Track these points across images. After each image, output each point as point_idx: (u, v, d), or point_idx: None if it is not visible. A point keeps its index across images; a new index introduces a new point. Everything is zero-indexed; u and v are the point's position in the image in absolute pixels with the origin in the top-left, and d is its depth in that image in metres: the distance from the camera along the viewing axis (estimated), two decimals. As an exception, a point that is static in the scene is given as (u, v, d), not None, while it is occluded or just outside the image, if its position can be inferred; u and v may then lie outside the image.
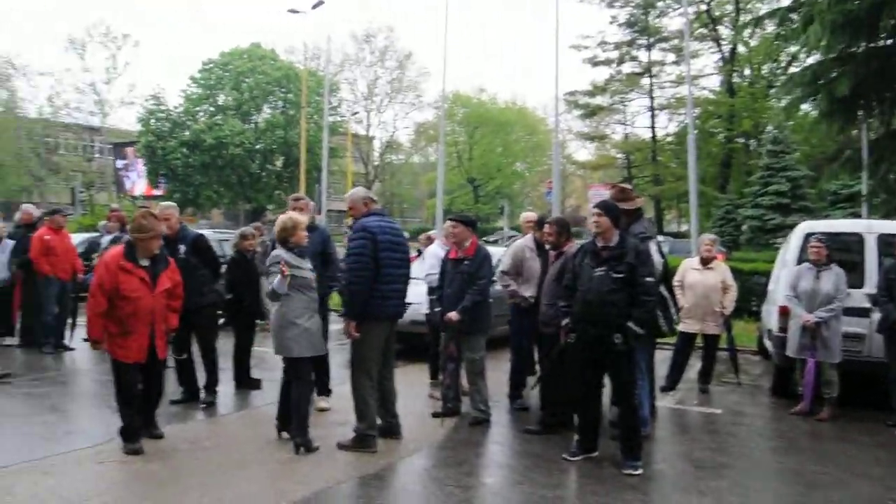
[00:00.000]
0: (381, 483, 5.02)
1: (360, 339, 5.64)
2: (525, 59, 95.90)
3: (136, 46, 58.83)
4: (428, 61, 77.46)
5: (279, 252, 5.66)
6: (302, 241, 5.69)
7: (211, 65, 46.50)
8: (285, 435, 5.76)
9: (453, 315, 6.38)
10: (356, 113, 53.85)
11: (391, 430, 5.95)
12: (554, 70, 28.69)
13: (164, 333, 5.59)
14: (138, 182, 48.45)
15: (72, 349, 9.45)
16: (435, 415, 6.61)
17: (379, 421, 5.84)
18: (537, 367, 7.47)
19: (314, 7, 29.56)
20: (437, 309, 6.76)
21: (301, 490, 4.76)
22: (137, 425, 5.43)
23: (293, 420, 5.59)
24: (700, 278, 8.15)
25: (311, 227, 6.83)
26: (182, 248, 6.66)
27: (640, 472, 5.27)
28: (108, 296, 5.24)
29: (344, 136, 48.42)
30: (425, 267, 7.41)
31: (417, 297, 8.81)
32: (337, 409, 6.69)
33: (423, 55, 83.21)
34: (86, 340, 9.99)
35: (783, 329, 7.55)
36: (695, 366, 8.65)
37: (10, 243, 9.57)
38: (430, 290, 7.36)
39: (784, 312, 7.55)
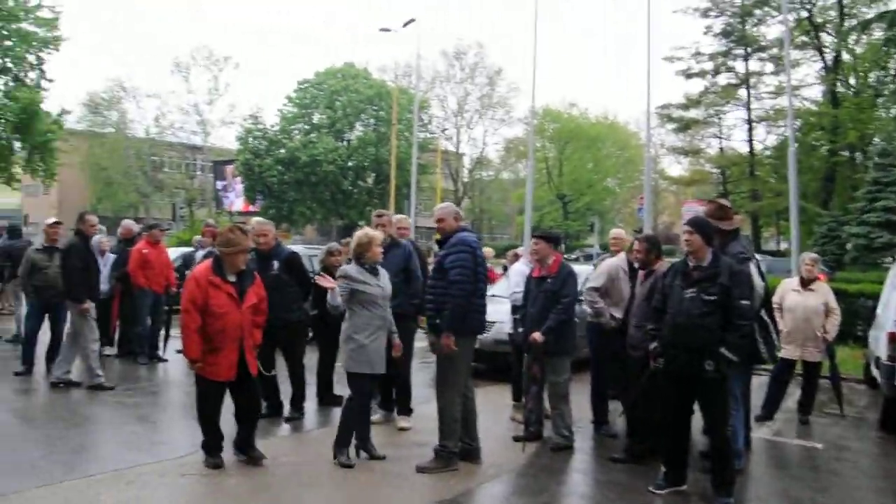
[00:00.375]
0: (458, 509, 4.88)
1: (452, 354, 5.53)
2: (617, 73, 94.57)
3: (237, 68, 61.26)
4: (518, 77, 77.50)
5: (345, 267, 5.78)
6: (376, 257, 5.71)
7: (306, 84, 47.84)
8: (364, 455, 5.72)
9: (537, 335, 6.19)
10: (446, 129, 54.27)
11: (471, 453, 5.80)
12: (646, 83, 28.19)
13: (253, 349, 5.50)
14: (236, 199, 50.16)
15: (165, 360, 9.77)
16: (516, 439, 6.43)
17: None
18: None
19: (405, 25, 30.03)
20: (520, 329, 6.58)
21: (376, 513, 4.68)
22: (220, 439, 5.41)
23: (338, 432, 5.65)
24: (800, 300, 7.67)
25: (395, 244, 6.82)
26: (275, 264, 6.73)
27: (732, 508, 4.94)
28: (200, 311, 5.19)
29: (434, 153, 48.83)
30: (510, 285, 7.24)
31: (501, 315, 8.70)
32: (417, 430, 6.61)
33: (513, 71, 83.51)
34: (179, 352, 10.41)
35: (893, 357, 6.99)
36: (794, 394, 8.15)
37: (112, 257, 10.02)
38: (514, 309, 7.18)
39: (894, 339, 6.99)
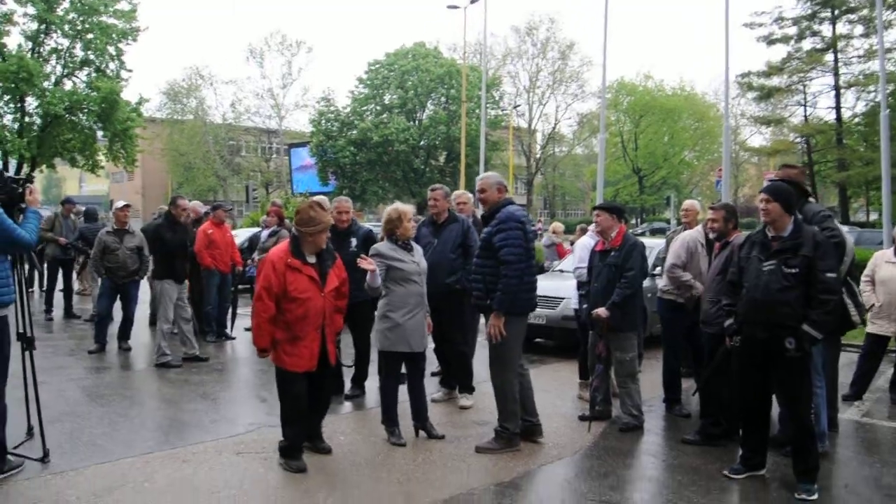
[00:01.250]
0: (517, 492, 4.65)
1: (510, 334, 5.29)
2: (693, 42, 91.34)
3: (310, 52, 61.81)
4: (591, 51, 75.66)
5: (377, 245, 5.55)
6: (408, 232, 5.49)
7: (377, 65, 47.89)
8: (423, 434, 5.57)
9: (601, 311, 5.88)
10: (518, 106, 53.50)
11: (532, 430, 5.58)
12: (724, 51, 26.63)
13: (335, 337, 5.13)
14: (310, 180, 50.86)
15: (232, 338, 9.87)
16: (582, 418, 6.17)
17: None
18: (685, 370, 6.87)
19: (472, 1, 29.50)
20: (584, 305, 6.26)
21: (431, 495, 4.51)
22: (302, 442, 5.01)
23: (382, 413, 5.55)
24: (895, 272, 7.09)
25: (452, 219, 6.61)
26: (353, 241, 6.60)
27: (815, 497, 4.55)
28: (276, 298, 4.73)
29: (506, 130, 48.31)
30: (574, 259, 6.92)
31: (569, 291, 8.41)
32: (479, 408, 6.43)
33: (586, 44, 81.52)
34: (248, 330, 10.54)
35: None
36: (885, 372, 7.58)
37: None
38: (579, 285, 6.87)
39: None
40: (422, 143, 46.45)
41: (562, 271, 10.27)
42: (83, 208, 12.39)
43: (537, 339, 9.55)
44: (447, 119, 45.58)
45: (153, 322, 10.80)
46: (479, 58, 51.67)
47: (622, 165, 54.83)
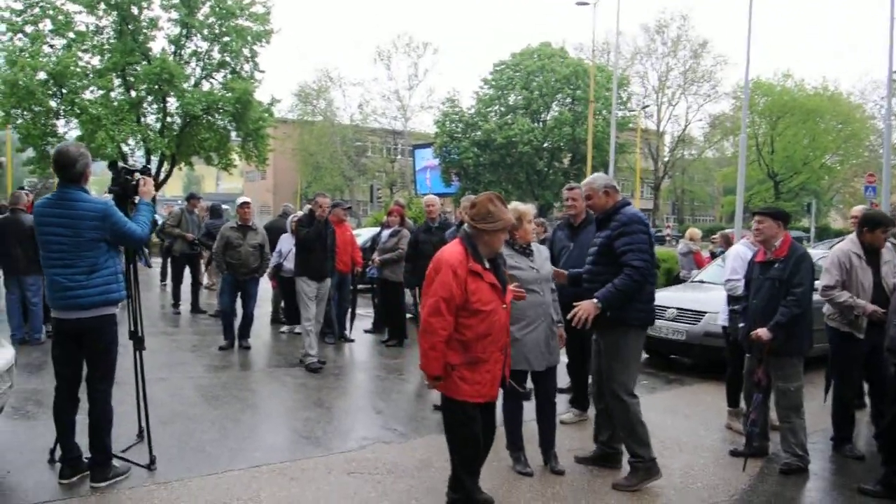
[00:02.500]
0: (663, 542, 3.98)
1: (628, 349, 4.71)
2: (838, 39, 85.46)
3: (436, 53, 62.34)
4: (725, 48, 71.93)
5: None
6: (528, 235, 4.91)
7: (502, 66, 47.53)
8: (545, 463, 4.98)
9: (762, 332, 5.06)
10: (647, 106, 51.67)
11: (610, 457, 5.06)
12: (884, 46, 24.01)
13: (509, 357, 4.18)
14: (433, 181, 51.11)
15: (352, 340, 9.62)
16: (734, 454, 5.38)
17: (594, 447, 5.14)
18: (867, 402, 5.93)
19: (603, -3, 28.41)
20: (740, 324, 5.46)
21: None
22: (479, 495, 4.13)
23: (507, 437, 4.96)
24: None
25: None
26: None
27: None
28: (455, 313, 3.82)
29: (633, 132, 46.72)
30: (727, 270, 6.05)
31: (713, 304, 7.61)
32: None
33: (719, 42, 77.49)
34: (368, 332, 10.33)
35: None
36: None
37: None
38: (731, 300, 6.03)
39: None
40: (546, 144, 45.74)
41: (702, 282, 9.38)
42: (208, 204, 12.57)
43: (672, 356, 8.74)
44: (572, 120, 44.62)
45: (274, 320, 10.76)
46: (607, 57, 50.35)
47: (756, 170, 51.76)
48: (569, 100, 46.67)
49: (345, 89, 54.19)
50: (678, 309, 8.25)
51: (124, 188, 4.53)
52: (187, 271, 11.90)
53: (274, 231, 10.78)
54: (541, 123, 46.26)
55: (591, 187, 4.90)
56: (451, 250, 3.91)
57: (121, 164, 4.63)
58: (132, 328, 4.67)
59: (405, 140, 55.08)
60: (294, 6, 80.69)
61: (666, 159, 56.45)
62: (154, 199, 4.95)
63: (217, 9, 27.82)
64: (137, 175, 4.57)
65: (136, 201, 4.49)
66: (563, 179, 47.58)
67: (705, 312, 7.97)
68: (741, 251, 5.99)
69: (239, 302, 8.87)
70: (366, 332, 10.17)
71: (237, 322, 8.88)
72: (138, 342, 4.66)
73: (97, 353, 4.27)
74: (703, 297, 8.42)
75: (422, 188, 49.10)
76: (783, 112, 51.80)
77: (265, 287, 10.07)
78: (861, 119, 52.06)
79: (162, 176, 29.02)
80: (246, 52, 28.79)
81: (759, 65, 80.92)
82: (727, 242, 9.65)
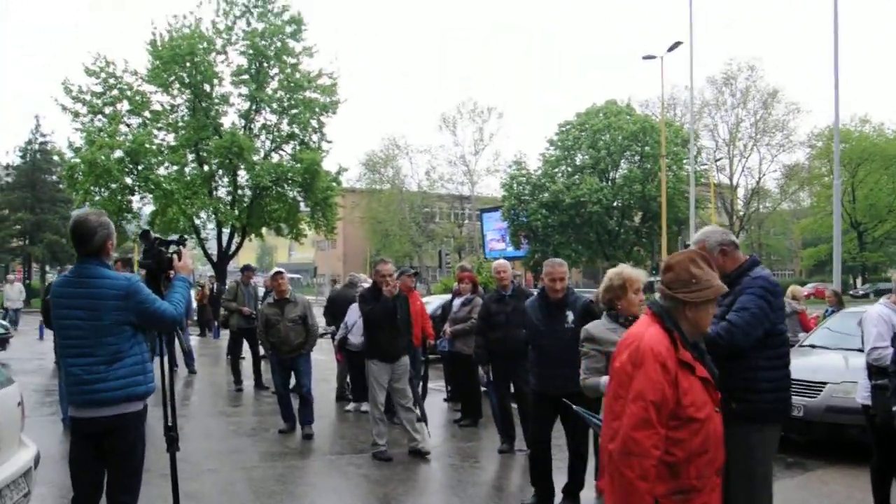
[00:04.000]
0: None
1: (763, 446, 3.67)
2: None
3: (501, 117, 62.46)
4: (797, 95, 69.78)
5: (591, 326, 4.06)
6: (633, 307, 3.98)
7: (568, 126, 47.22)
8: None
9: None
10: (720, 159, 50.30)
11: None
12: None
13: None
14: (501, 244, 50.54)
15: (423, 420, 8.81)
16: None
17: None
18: None
19: (670, 50, 27.84)
20: (895, 408, 4.42)
21: None
22: None
23: None
24: None
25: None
26: (570, 315, 5.29)
27: None
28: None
29: (705, 187, 45.31)
30: (868, 337, 5.04)
31: (835, 374, 6.64)
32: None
33: (790, 90, 75.31)
34: (447, 401, 9.63)
35: None
36: None
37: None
38: (875, 373, 4.97)
39: None
40: (615, 203, 44.87)
41: (812, 346, 8.30)
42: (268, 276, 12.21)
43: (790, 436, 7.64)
44: (642, 177, 43.67)
45: (340, 397, 10.10)
46: (673, 112, 49.37)
47: (834, 221, 49.40)
48: (637, 157, 45.82)
49: (412, 156, 54.58)
50: (793, 380, 7.18)
51: (158, 261, 3.96)
52: (246, 346, 11.47)
53: (339, 302, 10.25)
54: (609, 182, 45.45)
55: (706, 243, 3.86)
56: (652, 334, 2.73)
57: (154, 234, 4.07)
58: (167, 423, 4.02)
59: (472, 205, 54.92)
60: (361, 76, 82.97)
61: (741, 213, 54.51)
62: (192, 275, 4.37)
63: (286, 83, 28.39)
64: (173, 247, 4.00)
65: (171, 276, 3.91)
66: (635, 238, 46.38)
67: (826, 384, 6.91)
68: (883, 313, 5.01)
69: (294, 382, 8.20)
70: (445, 401, 9.48)
71: (297, 403, 8.19)
72: (170, 442, 3.97)
73: (118, 457, 3.62)
74: (819, 364, 7.37)
75: (491, 254, 48.57)
76: (863, 158, 49.64)
77: (325, 361, 9.42)
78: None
79: (233, 248, 29.32)
80: (314, 123, 29.16)
81: (830, 111, 78.37)
82: (839, 301, 8.58)
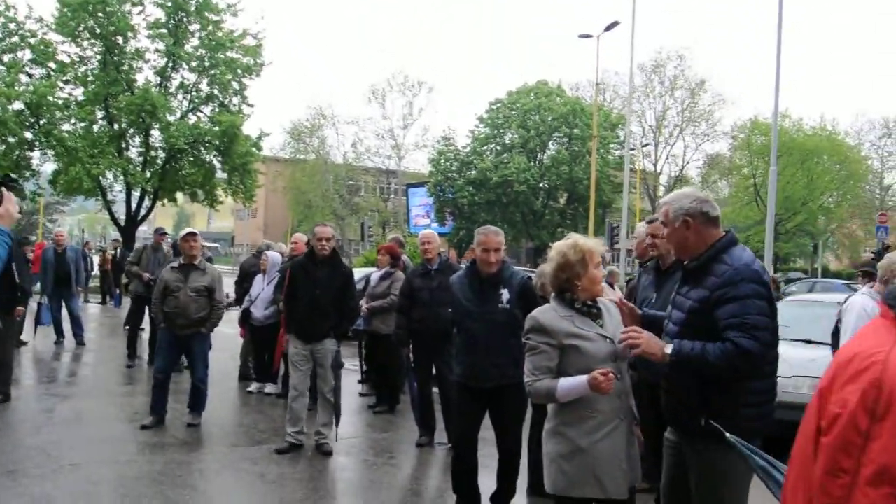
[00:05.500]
0: None
1: (736, 470, 2.88)
2: (833, 79, 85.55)
3: (431, 92, 61.21)
4: (724, 87, 71.22)
5: (538, 312, 3.20)
6: (595, 288, 3.15)
7: (498, 104, 46.70)
8: None
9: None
10: (647, 145, 50.85)
11: None
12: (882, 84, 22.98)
13: None
14: (425, 220, 49.88)
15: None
16: None
17: None
18: None
19: (607, 29, 27.51)
20: None
21: None
22: None
23: None
24: None
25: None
26: (505, 294, 4.51)
27: None
28: None
29: (631, 172, 45.67)
30: (847, 327, 4.47)
31: (799, 367, 6.17)
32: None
33: (717, 81, 76.64)
34: (363, 395, 8.75)
35: None
36: None
37: (277, 277, 8.47)
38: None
39: None
40: (542, 183, 44.67)
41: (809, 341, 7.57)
42: (174, 240, 11.11)
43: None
44: (570, 159, 43.61)
45: (243, 376, 9.15)
46: (603, 96, 49.46)
47: (754, 210, 50.75)
48: (566, 139, 45.74)
49: (338, 127, 53.05)
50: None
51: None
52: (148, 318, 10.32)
53: (245, 271, 9.33)
54: (537, 162, 45.24)
55: (668, 210, 3.07)
56: None
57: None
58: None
59: (399, 179, 53.91)
60: (287, 42, 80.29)
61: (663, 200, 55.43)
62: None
63: (207, 41, 26.73)
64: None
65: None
66: (560, 219, 46.38)
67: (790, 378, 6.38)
68: (868, 307, 4.42)
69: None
70: (361, 395, 8.60)
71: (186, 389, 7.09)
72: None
73: None
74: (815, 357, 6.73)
75: (415, 229, 47.78)
76: (781, 152, 50.94)
77: (233, 335, 8.46)
78: (856, 160, 51.51)
79: (143, 212, 27.65)
80: (235, 84, 27.65)
81: (755, 104, 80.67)
82: (777, 289, 8.11)
